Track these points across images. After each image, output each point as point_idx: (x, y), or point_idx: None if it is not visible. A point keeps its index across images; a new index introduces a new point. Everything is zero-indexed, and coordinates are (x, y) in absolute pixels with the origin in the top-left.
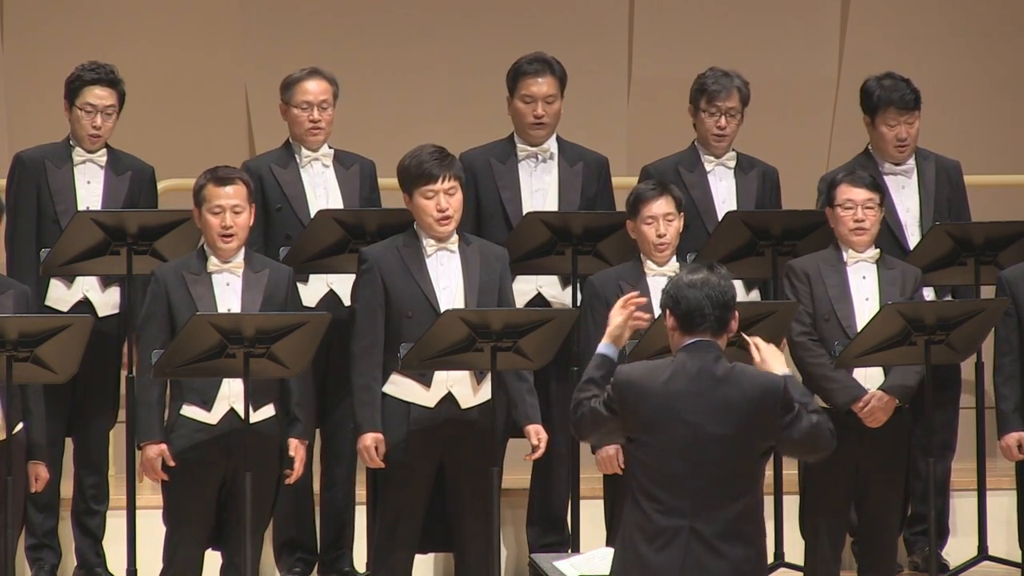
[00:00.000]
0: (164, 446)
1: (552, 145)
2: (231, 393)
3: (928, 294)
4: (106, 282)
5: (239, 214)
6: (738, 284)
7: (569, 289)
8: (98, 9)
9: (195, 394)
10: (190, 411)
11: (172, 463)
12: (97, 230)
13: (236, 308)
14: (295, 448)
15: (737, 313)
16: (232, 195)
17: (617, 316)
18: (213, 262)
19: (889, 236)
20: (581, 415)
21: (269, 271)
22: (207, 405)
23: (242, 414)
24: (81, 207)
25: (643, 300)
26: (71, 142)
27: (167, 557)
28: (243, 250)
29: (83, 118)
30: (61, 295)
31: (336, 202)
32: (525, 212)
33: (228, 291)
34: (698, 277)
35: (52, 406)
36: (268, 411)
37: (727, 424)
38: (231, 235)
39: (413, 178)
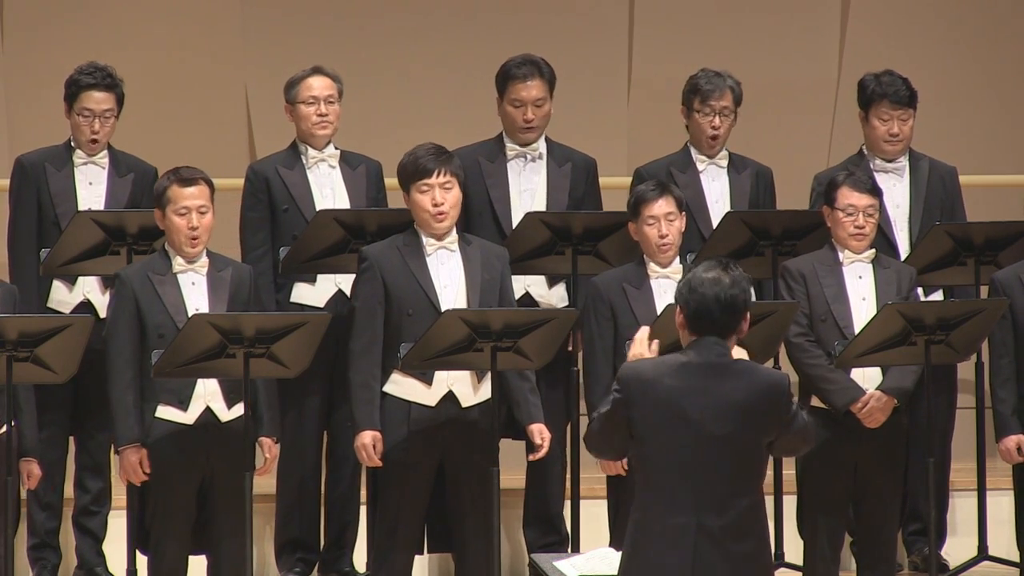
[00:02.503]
0: (144, 451)
1: (541, 145)
2: (206, 392)
3: (918, 293)
4: (107, 284)
5: (204, 214)
6: None
7: (556, 288)
8: (98, 10)
9: (170, 394)
10: (165, 412)
11: (148, 470)
12: (97, 230)
13: (204, 308)
14: (268, 447)
15: (749, 315)
16: (197, 195)
17: (648, 354)
18: (179, 262)
19: (878, 232)
20: (590, 426)
21: (232, 269)
22: (183, 405)
23: (218, 413)
24: (83, 209)
25: (647, 334)
26: (72, 144)
27: (153, 562)
28: (205, 249)
29: (82, 124)
30: (63, 297)
31: (343, 203)
32: (514, 212)
33: (195, 291)
34: (710, 276)
35: (54, 409)
36: (240, 409)
37: (732, 422)
38: (198, 236)
39: (409, 175)
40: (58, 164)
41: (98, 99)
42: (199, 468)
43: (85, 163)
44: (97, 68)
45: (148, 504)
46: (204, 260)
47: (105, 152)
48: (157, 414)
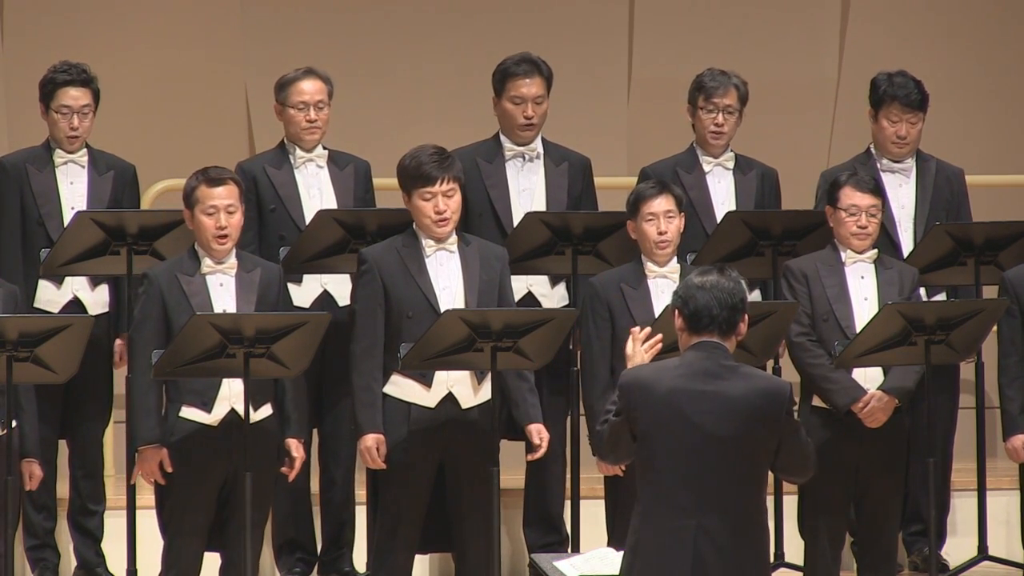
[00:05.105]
0: (164, 451)
1: (538, 145)
2: (231, 394)
3: (920, 294)
4: (95, 280)
5: (232, 214)
6: None
7: (559, 287)
8: (98, 9)
9: (194, 396)
10: (189, 413)
11: (170, 468)
12: (97, 230)
13: (231, 308)
14: (296, 447)
15: (747, 316)
16: (225, 195)
17: (637, 356)
18: (207, 263)
19: (882, 232)
20: (599, 433)
21: (261, 270)
22: (207, 407)
23: (243, 414)
24: (65, 208)
25: (647, 332)
26: (51, 144)
27: (168, 560)
28: (234, 250)
29: (60, 120)
30: (51, 296)
31: (330, 202)
32: (514, 211)
33: (223, 292)
34: (708, 279)
35: (45, 408)
36: (267, 410)
37: (731, 424)
38: (226, 235)
39: (412, 179)
40: (39, 164)
41: (75, 95)
42: (222, 469)
43: (65, 162)
44: (71, 65)
45: (167, 500)
46: (232, 261)
47: (84, 151)
48: (181, 415)
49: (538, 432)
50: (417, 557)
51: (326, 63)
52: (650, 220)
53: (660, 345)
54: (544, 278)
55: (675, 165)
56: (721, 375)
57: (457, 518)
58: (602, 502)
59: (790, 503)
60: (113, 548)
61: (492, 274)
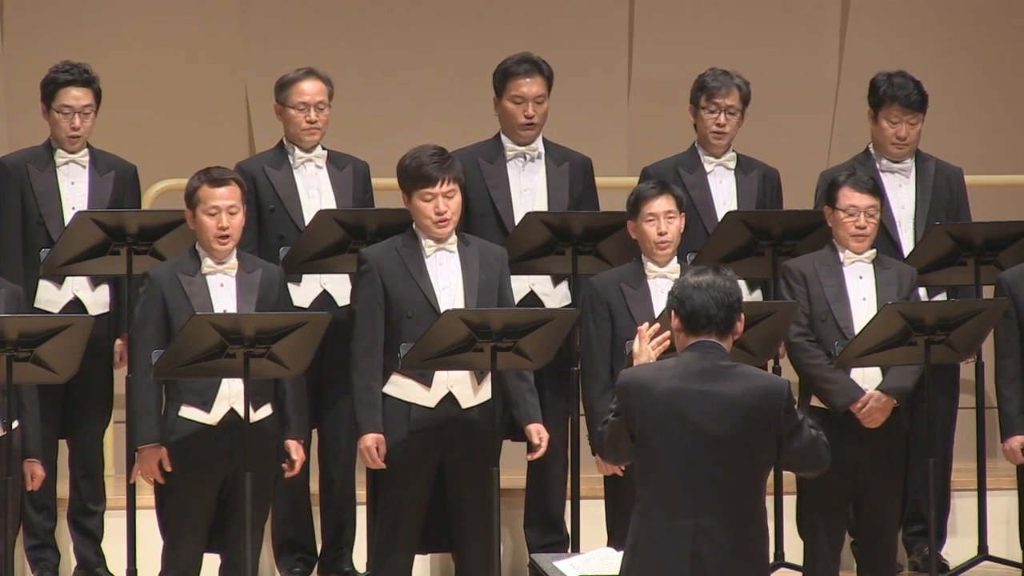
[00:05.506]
0: (163, 450)
1: (539, 145)
2: (231, 393)
3: (921, 294)
4: (96, 281)
5: (234, 215)
6: (742, 285)
7: (560, 286)
8: (98, 9)
9: (194, 395)
10: (189, 412)
11: (169, 468)
12: (97, 230)
13: (232, 309)
14: (296, 448)
15: (743, 315)
16: (227, 196)
17: (644, 354)
18: (208, 263)
19: (882, 232)
20: (600, 434)
21: (262, 271)
22: (206, 406)
23: (242, 414)
24: (66, 208)
25: (655, 328)
26: (52, 144)
27: (168, 560)
28: (235, 250)
29: (61, 120)
30: (51, 297)
31: (329, 203)
32: (515, 211)
33: (223, 292)
34: (703, 279)
35: (45, 408)
36: (266, 410)
37: (729, 424)
38: (227, 236)
39: (412, 180)
40: (40, 164)
41: (76, 95)
42: (222, 468)
43: (66, 162)
44: (73, 65)
45: (167, 500)
46: (233, 261)
47: (85, 151)
48: (181, 414)
49: (538, 432)
50: (417, 557)
51: (326, 63)
52: (650, 220)
53: (668, 342)
54: (546, 277)
55: (676, 165)
56: (719, 375)
57: (457, 518)
58: (602, 502)
59: (790, 503)
60: (113, 548)
61: (492, 274)
